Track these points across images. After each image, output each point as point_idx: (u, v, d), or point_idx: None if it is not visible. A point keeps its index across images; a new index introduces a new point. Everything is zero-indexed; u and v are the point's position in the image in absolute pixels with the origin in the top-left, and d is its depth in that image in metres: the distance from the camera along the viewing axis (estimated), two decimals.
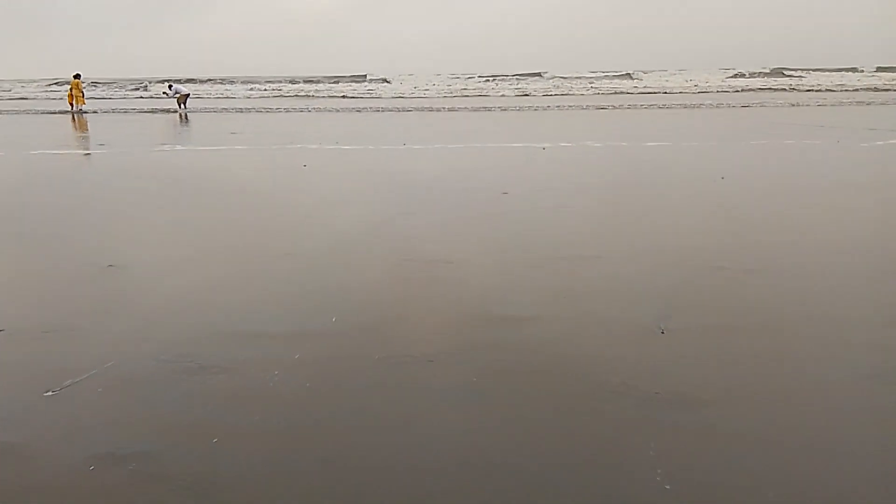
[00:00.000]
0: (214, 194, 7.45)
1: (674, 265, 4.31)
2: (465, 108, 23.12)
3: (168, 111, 23.72)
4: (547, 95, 30.23)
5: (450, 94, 32.04)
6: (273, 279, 4.08)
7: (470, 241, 5.10)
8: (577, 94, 30.30)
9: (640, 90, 32.62)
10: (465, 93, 33.52)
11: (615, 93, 30.95)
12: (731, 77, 44.17)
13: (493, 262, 4.51)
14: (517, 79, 44.12)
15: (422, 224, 5.65)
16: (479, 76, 45.49)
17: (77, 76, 23.45)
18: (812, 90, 31.00)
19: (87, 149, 12.52)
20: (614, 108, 22.10)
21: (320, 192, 7.47)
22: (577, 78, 43.85)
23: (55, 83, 39.22)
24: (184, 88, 25.91)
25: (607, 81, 40.63)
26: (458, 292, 3.76)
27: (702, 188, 7.40)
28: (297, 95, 34.22)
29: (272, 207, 6.54)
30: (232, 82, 42.29)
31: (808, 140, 12.02)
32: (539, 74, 46.32)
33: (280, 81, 42.47)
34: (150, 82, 41.05)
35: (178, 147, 12.34)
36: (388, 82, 42.60)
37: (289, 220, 5.98)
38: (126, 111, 23.46)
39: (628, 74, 46.78)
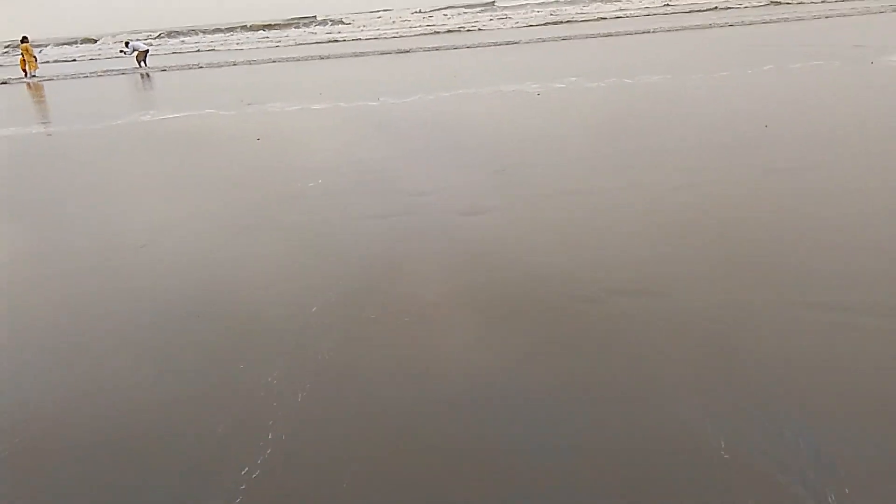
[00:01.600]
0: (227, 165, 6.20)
1: None
2: (423, 48, 21.31)
3: (124, 73, 21.79)
4: (504, 28, 28.07)
5: (408, 34, 29.43)
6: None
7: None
8: (536, 25, 28.20)
9: (602, 15, 30.07)
10: (424, 30, 30.77)
11: (577, 19, 28.69)
12: None
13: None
14: (465, 10, 40.84)
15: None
16: (422, 11, 41.60)
17: (24, 39, 21.50)
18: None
19: (61, 125, 11.06)
20: (587, 37, 20.39)
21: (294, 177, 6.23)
22: (527, 4, 40.48)
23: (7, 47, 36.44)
24: (142, 45, 23.82)
25: (566, 6, 37.39)
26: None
27: (747, 137, 6.20)
28: (258, 46, 31.79)
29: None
30: (175, 34, 39.02)
31: (832, 61, 10.70)
32: (492, 3, 42.93)
33: (227, 30, 39.19)
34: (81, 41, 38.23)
35: (165, 115, 10.89)
36: (344, 24, 39.18)
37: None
38: (86, 75, 21.55)
39: None
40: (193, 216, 4.93)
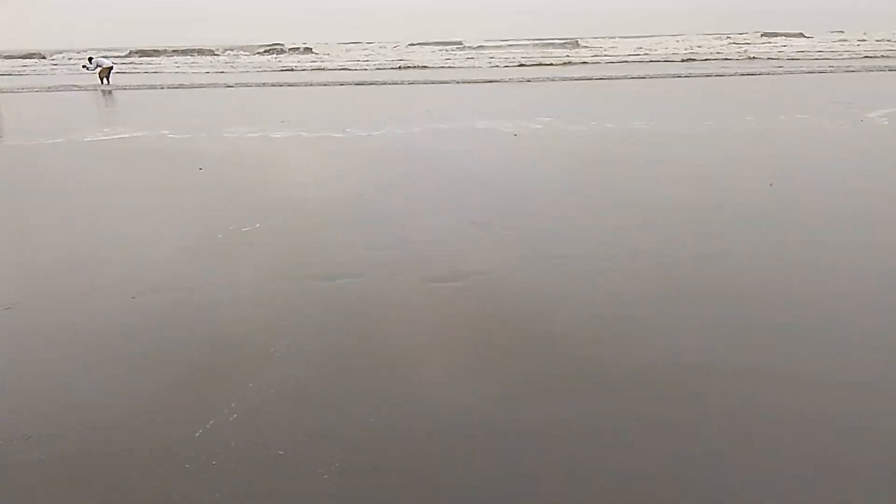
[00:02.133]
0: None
1: None
2: (395, 81, 20.74)
3: (77, 88, 20.53)
4: (478, 67, 27.81)
5: (384, 66, 28.77)
6: None
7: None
8: (512, 66, 28.03)
9: (589, 59, 30.13)
10: (399, 63, 30.14)
11: (565, 63, 28.60)
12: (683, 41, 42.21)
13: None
14: (440, 48, 40.84)
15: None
16: (395, 45, 41.40)
17: None
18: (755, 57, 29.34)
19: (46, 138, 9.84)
20: (563, 79, 20.18)
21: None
22: (506, 46, 40.67)
23: None
24: (106, 61, 22.62)
25: (551, 50, 37.55)
26: None
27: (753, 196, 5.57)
28: (233, 70, 30.85)
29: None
30: (141, 54, 37.77)
31: (819, 117, 10.39)
32: (460, 43, 43.18)
33: (195, 52, 38.14)
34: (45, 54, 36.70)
35: (110, 135, 9.80)
36: (311, 52, 38.46)
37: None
38: (36, 90, 20.23)
39: (575, 41, 44.09)
40: (68, 272, 3.90)
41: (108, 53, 33.93)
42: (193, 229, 4.72)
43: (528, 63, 28.44)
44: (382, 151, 8.15)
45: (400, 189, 6.01)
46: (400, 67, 28.09)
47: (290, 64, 31.41)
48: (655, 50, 34.54)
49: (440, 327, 3.05)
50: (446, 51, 38.88)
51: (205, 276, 3.74)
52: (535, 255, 4.02)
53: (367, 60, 32.22)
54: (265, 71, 28.37)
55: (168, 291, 3.48)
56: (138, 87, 20.64)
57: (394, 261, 3.92)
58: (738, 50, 33.33)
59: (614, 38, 46.87)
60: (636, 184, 6.08)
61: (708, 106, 12.87)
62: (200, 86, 20.83)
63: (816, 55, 29.19)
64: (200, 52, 38.29)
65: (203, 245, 4.29)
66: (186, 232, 4.64)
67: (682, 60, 28.37)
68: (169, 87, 20.57)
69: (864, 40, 36.75)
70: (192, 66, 31.42)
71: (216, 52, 38.04)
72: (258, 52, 38.47)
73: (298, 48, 39.90)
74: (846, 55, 28.89)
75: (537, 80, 20.35)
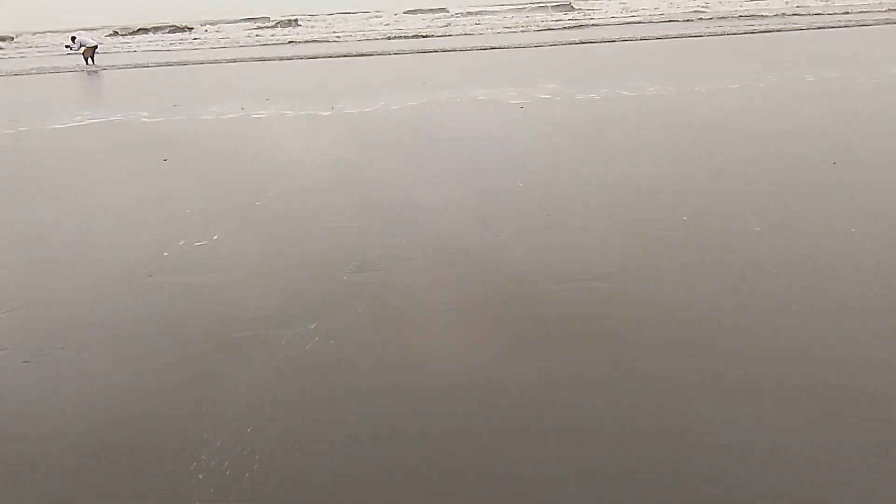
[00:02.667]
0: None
1: None
2: (387, 51, 19.58)
3: (63, 71, 19.46)
4: (476, 33, 26.48)
5: (373, 37, 27.28)
6: None
7: None
8: (509, 31, 26.68)
9: (586, 21, 28.63)
10: (388, 34, 28.66)
11: (556, 26, 27.22)
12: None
13: None
14: (431, 15, 38.85)
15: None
16: (376, 13, 39.00)
17: None
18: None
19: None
20: (573, 44, 19.06)
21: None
22: (495, 12, 38.64)
23: None
24: (90, 40, 21.38)
25: (544, 14, 35.60)
26: None
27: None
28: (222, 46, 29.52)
29: None
30: (125, 33, 36.07)
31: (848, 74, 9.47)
32: (445, 10, 41.03)
33: (182, 29, 36.38)
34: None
35: (74, 120, 8.91)
36: (297, 24, 36.44)
37: None
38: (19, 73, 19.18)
39: (569, 4, 41.98)
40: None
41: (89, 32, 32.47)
42: (138, 245, 3.93)
43: (529, 28, 27.19)
44: (376, 130, 7.29)
45: (389, 180, 5.19)
46: (390, 37, 26.72)
47: (276, 37, 30.02)
48: (659, 9, 33.03)
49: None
50: (437, 18, 37.11)
51: (115, 318, 2.96)
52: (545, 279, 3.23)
53: (359, 31, 30.78)
54: (250, 46, 27.11)
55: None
56: (125, 67, 19.58)
57: (380, 281, 3.14)
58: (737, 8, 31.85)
59: None
60: (668, 158, 5.25)
61: (723, 65, 11.90)
62: (185, 63, 19.74)
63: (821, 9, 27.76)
64: (179, 28, 36.59)
65: (132, 273, 3.50)
66: (125, 252, 3.85)
67: (687, 20, 27.05)
68: (152, 66, 19.50)
69: None
70: (180, 44, 30.08)
71: (189, 28, 36.26)
72: (249, 26, 36.89)
73: (282, 21, 38.14)
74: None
75: (537, 45, 19.25)
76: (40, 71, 19.09)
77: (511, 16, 34.65)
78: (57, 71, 19.00)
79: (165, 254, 3.49)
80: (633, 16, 30.67)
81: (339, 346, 2.51)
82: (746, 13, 28.22)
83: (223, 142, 7.09)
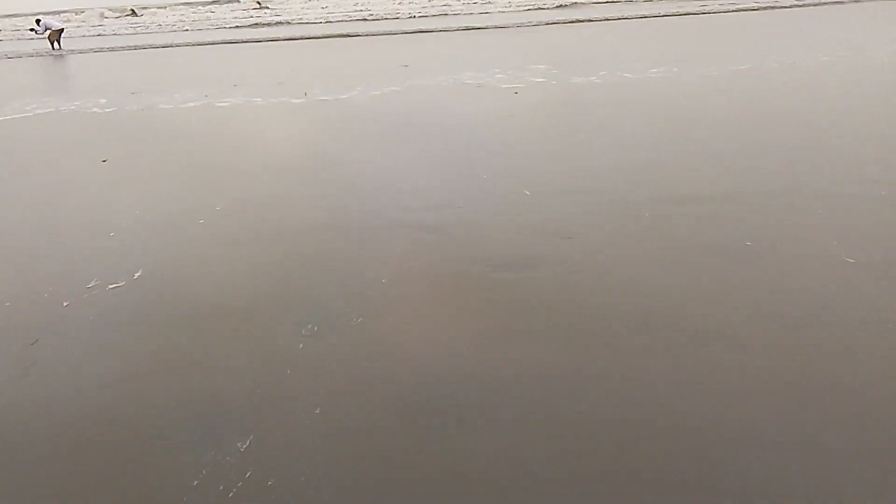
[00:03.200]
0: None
1: None
2: (366, 32, 18.51)
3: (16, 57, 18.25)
4: (462, 13, 25.27)
5: (344, 19, 25.82)
6: None
7: None
8: (493, 12, 25.54)
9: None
10: (364, 16, 27.28)
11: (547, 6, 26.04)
12: None
13: None
14: None
15: None
16: None
17: None
18: None
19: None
20: (554, 23, 18.14)
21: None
22: None
23: None
24: (56, 22, 20.14)
25: None
26: None
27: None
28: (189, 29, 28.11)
29: None
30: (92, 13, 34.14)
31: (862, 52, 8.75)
32: None
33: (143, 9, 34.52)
34: None
35: (12, 112, 7.97)
36: (270, 7, 34.77)
37: None
38: None
39: None
40: None
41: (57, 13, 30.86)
42: (55, 260, 3.13)
43: (518, 8, 26.10)
44: (349, 120, 6.46)
45: (365, 183, 4.40)
46: (365, 19, 25.37)
47: (243, 20, 28.54)
48: None
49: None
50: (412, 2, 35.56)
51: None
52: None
53: (328, 12, 29.21)
54: (225, 27, 25.78)
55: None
56: (93, 51, 18.41)
57: (337, 345, 2.38)
58: None
59: None
60: (682, 143, 4.51)
61: (727, 45, 11.12)
62: (154, 46, 18.60)
63: None
64: (147, 8, 34.83)
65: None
66: (45, 273, 3.04)
67: None
68: (122, 49, 18.35)
69: None
70: (140, 26, 28.64)
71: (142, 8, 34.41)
72: (217, 3, 35.15)
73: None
74: None
75: (523, 25, 18.32)
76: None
77: None
78: (17, 56, 17.82)
79: (66, 304, 2.68)
80: None
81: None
82: None
83: (179, 136, 6.23)
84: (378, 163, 4.72)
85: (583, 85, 7.65)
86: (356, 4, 31.12)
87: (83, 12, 33.64)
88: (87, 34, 25.79)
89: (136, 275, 2.89)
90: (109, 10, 34.12)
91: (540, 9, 25.16)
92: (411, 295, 2.62)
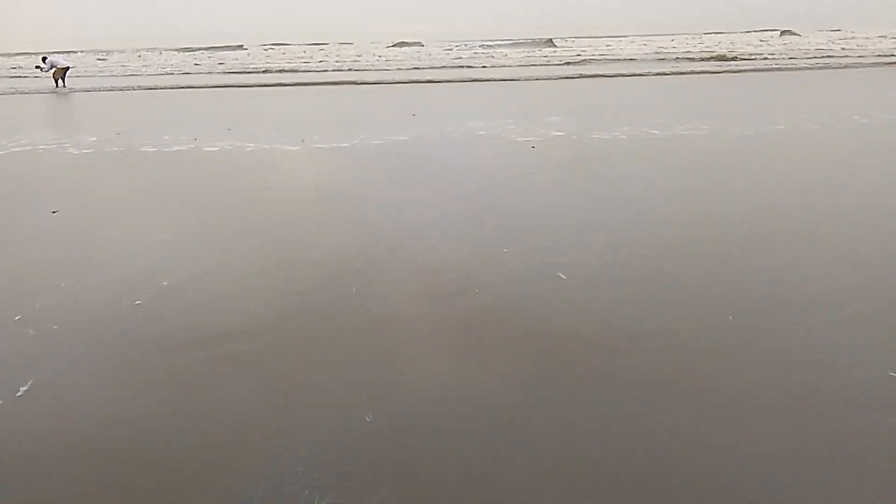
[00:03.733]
0: None
1: None
2: (378, 81, 18.15)
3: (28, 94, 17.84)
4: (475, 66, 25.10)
5: (358, 67, 25.57)
6: None
7: None
8: (499, 66, 25.37)
9: (576, 58, 27.24)
10: (355, 65, 26.86)
11: (567, 62, 25.84)
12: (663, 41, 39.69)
13: None
14: (387, 48, 37.51)
15: None
16: (341, 42, 37.97)
17: None
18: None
19: None
20: (566, 78, 17.80)
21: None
22: (476, 46, 37.41)
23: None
24: (62, 60, 19.86)
25: (528, 50, 34.70)
26: None
27: None
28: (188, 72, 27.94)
29: None
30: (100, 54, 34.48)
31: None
32: (418, 44, 40.07)
33: (159, 51, 34.88)
34: None
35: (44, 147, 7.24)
36: (243, 49, 34.99)
37: None
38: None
39: (549, 41, 41.59)
40: None
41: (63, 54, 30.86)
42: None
43: (522, 63, 25.98)
44: (347, 170, 5.72)
45: (359, 251, 3.60)
46: (365, 70, 25.01)
47: (259, 65, 28.43)
48: (666, 48, 32.19)
49: None
50: (412, 51, 35.85)
51: None
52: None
53: (345, 61, 29.25)
54: (231, 72, 25.57)
55: None
56: (99, 90, 18.03)
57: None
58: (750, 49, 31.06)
59: (594, 37, 44.46)
60: (714, 210, 3.72)
61: (753, 105, 10.56)
62: (155, 88, 18.22)
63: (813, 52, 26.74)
64: (159, 50, 35.18)
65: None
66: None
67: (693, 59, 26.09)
68: (129, 90, 17.96)
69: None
70: (155, 68, 28.54)
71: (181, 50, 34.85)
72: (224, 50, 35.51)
73: (233, 47, 36.86)
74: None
75: (525, 79, 17.99)
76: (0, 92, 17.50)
77: (503, 51, 33.66)
78: (15, 92, 17.41)
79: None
80: (609, 53, 29.61)
81: None
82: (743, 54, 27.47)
83: (153, 183, 5.48)
84: (378, 225, 3.93)
85: (608, 141, 6.95)
86: (359, 56, 31.23)
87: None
88: (94, 74, 25.60)
89: (20, 391, 2.03)
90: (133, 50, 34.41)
91: (547, 65, 25.01)
92: None
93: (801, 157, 5.99)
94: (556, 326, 2.53)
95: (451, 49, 36.18)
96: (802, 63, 21.31)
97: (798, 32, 48.18)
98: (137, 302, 2.78)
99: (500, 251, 3.40)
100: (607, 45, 34.54)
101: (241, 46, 38.23)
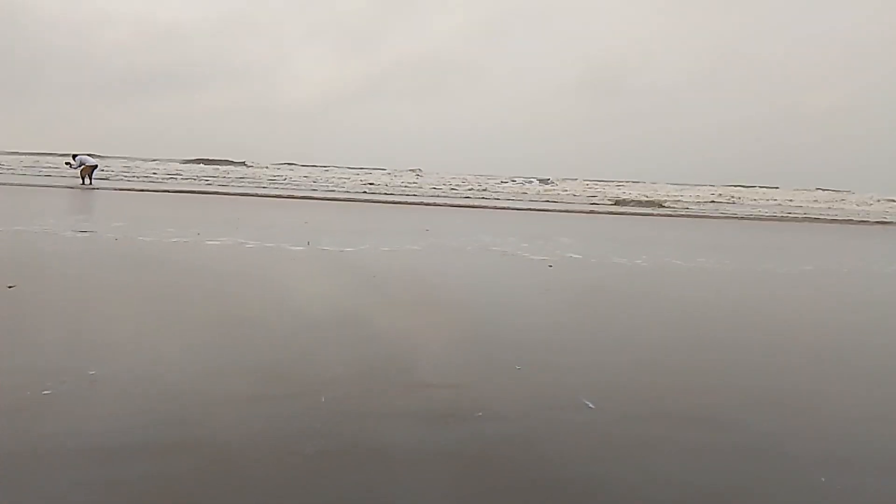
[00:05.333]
0: None
1: None
2: (395, 201, 18.35)
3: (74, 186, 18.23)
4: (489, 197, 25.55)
5: (377, 192, 25.62)
6: None
7: None
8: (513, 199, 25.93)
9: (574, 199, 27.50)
10: (363, 188, 26.83)
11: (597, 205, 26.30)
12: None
13: None
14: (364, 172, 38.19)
15: None
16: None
17: None
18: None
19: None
20: (563, 213, 17.92)
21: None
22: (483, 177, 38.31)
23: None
24: (90, 159, 20.63)
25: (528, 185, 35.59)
26: None
27: None
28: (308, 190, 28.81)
29: None
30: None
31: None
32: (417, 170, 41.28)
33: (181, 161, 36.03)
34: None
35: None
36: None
37: None
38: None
39: (547, 180, 42.87)
40: None
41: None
42: None
43: (541, 200, 26.54)
44: (351, 275, 5.27)
45: (388, 350, 3.03)
46: (366, 192, 25.06)
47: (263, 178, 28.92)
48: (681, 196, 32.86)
49: None
50: (417, 178, 36.69)
51: None
52: None
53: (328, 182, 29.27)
54: (262, 187, 26.24)
55: None
56: (119, 189, 18.40)
57: None
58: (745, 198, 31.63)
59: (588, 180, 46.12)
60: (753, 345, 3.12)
61: (762, 247, 10.24)
62: (176, 191, 18.57)
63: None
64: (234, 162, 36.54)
65: None
66: None
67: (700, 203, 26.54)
68: (149, 192, 18.31)
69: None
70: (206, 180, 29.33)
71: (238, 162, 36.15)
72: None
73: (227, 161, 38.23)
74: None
75: (535, 210, 18.11)
76: (24, 184, 17.91)
77: (515, 185, 34.56)
78: (38, 186, 17.78)
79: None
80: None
81: None
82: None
83: (131, 271, 5.03)
84: (373, 332, 3.38)
85: (628, 267, 6.51)
86: (371, 184, 31.79)
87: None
88: (120, 176, 26.47)
89: None
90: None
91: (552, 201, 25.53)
92: None
93: (829, 296, 5.47)
94: (584, 475, 1.88)
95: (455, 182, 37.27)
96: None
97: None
98: (45, 392, 2.19)
99: (509, 365, 2.81)
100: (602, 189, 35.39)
101: (289, 164, 39.95)
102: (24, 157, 36.75)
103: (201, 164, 38.88)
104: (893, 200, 33.92)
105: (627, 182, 49.72)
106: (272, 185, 25.18)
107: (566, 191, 31.01)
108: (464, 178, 37.00)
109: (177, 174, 29.28)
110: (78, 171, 19.92)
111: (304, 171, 38.50)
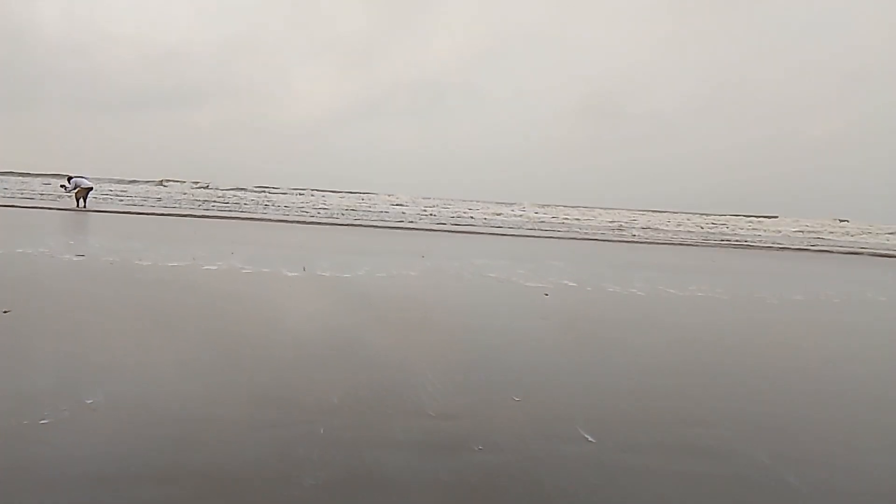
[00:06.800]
0: None
1: None
2: (374, 224, 18.38)
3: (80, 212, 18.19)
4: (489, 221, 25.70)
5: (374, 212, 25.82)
6: None
7: None
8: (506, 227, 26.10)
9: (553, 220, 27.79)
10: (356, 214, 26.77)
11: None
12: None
13: None
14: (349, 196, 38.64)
15: None
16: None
17: None
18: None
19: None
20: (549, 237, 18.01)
21: None
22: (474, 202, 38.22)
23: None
24: (86, 181, 20.59)
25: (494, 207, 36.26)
26: None
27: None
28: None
29: None
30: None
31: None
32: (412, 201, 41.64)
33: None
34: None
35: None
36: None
37: None
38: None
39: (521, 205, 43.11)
40: None
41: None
42: None
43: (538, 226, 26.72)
44: (346, 300, 5.27)
45: (383, 377, 3.03)
46: (361, 219, 25.00)
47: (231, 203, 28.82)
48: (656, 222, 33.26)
49: None
50: (397, 206, 36.73)
51: None
52: None
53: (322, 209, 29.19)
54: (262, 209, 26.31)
55: None
56: (115, 212, 18.38)
57: None
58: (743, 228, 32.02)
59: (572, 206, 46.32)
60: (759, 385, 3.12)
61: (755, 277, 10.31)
62: (172, 214, 18.57)
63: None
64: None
65: None
66: None
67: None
68: (146, 215, 18.30)
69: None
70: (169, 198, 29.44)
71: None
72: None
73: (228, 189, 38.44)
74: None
75: (552, 236, 18.19)
76: (15, 206, 17.88)
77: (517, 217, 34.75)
78: (30, 208, 17.75)
79: None
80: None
81: None
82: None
83: (127, 295, 5.01)
84: (368, 360, 3.38)
85: (626, 296, 6.54)
86: (370, 207, 31.91)
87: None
88: (115, 198, 26.45)
89: None
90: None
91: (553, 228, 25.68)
92: None
93: (825, 325, 5.50)
94: None
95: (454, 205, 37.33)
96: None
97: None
98: (43, 421, 2.17)
99: (507, 397, 2.81)
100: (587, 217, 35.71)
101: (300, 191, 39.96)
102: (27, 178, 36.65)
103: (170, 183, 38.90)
104: None
105: (626, 210, 50.08)
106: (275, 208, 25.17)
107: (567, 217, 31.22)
108: (469, 206, 37.15)
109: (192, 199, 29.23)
110: (72, 194, 19.89)
111: (313, 195, 38.52)
